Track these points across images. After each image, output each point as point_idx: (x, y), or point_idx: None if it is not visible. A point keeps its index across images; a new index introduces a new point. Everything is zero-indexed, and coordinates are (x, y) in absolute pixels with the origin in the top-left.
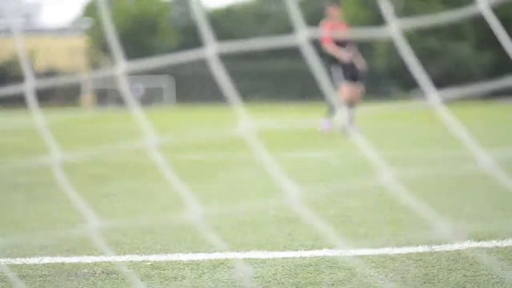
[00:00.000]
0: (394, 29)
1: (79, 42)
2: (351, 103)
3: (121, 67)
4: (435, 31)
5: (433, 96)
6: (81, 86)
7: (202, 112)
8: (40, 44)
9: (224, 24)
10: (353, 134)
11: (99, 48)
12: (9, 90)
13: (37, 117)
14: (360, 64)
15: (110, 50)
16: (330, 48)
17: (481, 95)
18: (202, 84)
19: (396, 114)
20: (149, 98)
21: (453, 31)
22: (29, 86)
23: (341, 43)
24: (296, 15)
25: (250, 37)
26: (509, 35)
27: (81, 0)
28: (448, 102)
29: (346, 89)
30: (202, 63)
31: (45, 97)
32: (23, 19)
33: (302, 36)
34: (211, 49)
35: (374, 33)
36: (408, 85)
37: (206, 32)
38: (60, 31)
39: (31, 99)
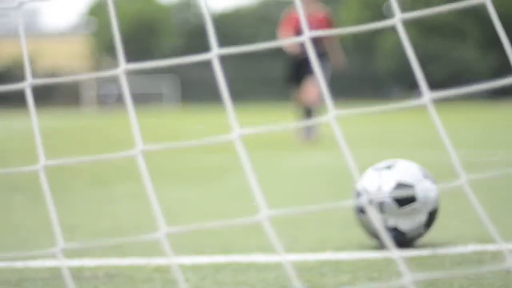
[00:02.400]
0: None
1: (83, 44)
2: (302, 105)
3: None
4: (439, 32)
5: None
6: (83, 87)
7: (205, 113)
8: (43, 46)
9: (228, 28)
10: (300, 140)
11: (103, 50)
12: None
13: (34, 121)
14: (336, 60)
15: (114, 52)
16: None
17: (486, 95)
18: (207, 84)
19: (395, 116)
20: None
21: (457, 33)
22: (28, 86)
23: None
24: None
25: (251, 40)
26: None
27: (85, 2)
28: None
29: (293, 90)
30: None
31: (47, 98)
32: (25, 21)
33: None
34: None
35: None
36: (411, 86)
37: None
38: (63, 34)
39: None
